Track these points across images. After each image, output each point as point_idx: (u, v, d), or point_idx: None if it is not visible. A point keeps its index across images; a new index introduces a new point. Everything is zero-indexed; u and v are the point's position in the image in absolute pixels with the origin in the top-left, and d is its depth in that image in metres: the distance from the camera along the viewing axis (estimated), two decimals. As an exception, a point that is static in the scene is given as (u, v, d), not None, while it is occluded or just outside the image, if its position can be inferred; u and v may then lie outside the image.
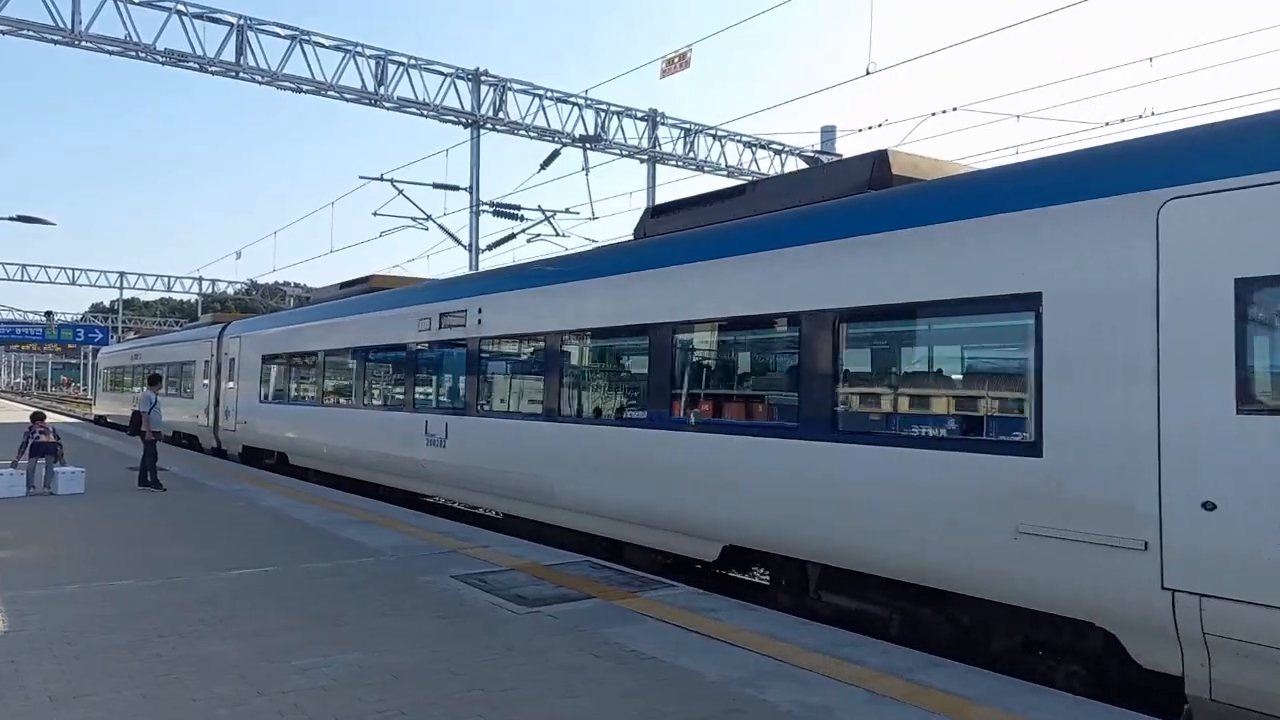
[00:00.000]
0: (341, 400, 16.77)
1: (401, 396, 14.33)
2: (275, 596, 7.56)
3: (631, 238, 11.03)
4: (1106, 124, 17.73)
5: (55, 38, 20.11)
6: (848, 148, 26.32)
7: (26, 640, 6.15)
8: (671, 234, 9.84)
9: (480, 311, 12.27)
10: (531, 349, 11.68)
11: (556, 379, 10.81)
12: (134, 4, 20.67)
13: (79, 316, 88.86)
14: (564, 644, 6.27)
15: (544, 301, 11.10)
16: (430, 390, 13.95)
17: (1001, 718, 4.99)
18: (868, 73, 18.78)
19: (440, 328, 13.09)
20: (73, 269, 59.90)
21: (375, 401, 15.36)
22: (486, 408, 12.29)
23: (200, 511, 12.61)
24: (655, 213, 10.72)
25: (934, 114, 20.44)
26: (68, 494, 14.07)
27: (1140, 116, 17.20)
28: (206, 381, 23.87)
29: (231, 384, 21.83)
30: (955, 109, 20.00)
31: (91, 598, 7.39)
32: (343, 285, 18.72)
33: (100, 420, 40.35)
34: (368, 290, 17.10)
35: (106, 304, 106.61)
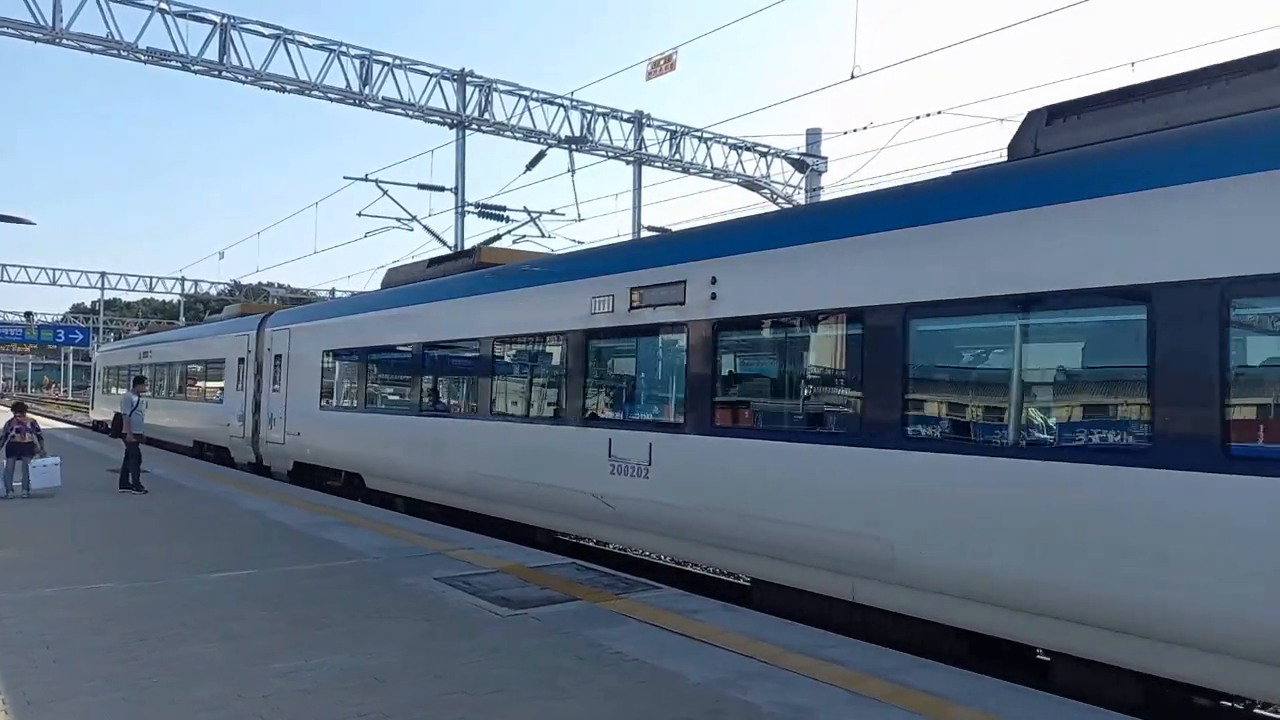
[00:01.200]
0: (455, 407, 13.16)
1: (562, 404, 10.60)
2: (256, 599, 7.51)
3: (1006, 156, 7.25)
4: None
5: (36, 35, 19.92)
6: (833, 150, 26.43)
7: (4, 644, 6.09)
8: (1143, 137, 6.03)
9: (715, 282, 8.63)
10: (834, 331, 7.79)
11: (903, 381, 6.90)
12: (116, 2, 20.49)
13: (59, 317, 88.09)
14: (547, 646, 6.27)
15: (878, 255, 7.13)
16: (614, 395, 10.46)
17: (981, 718, 5.02)
18: (853, 76, 18.88)
19: (634, 307, 9.59)
20: (53, 269, 59.26)
21: (512, 410, 11.78)
22: (730, 422, 8.54)
23: (181, 514, 12.52)
24: (1054, 115, 6.93)
25: (919, 117, 20.55)
26: (44, 488, 13.92)
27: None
28: (241, 383, 20.33)
29: (278, 386, 18.30)
30: (940, 112, 20.12)
31: (71, 601, 7.32)
32: (432, 262, 15.42)
33: (100, 426, 36.20)
34: (476, 266, 13.66)
35: (88, 304, 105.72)
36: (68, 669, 5.58)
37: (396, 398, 14.65)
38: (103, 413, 34.99)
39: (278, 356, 18.55)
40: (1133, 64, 18.02)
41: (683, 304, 8.98)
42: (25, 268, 57.96)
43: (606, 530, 10.17)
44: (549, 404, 11.13)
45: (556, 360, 11.09)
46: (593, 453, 9.76)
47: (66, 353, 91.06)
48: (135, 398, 15.50)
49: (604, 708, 5.10)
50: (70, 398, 74.72)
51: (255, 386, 19.65)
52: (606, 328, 10.05)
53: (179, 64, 21.49)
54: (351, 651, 6.06)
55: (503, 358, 12.03)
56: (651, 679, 5.59)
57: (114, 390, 33.91)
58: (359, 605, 7.36)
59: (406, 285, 15.01)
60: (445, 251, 25.97)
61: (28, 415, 14.70)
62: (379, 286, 16.83)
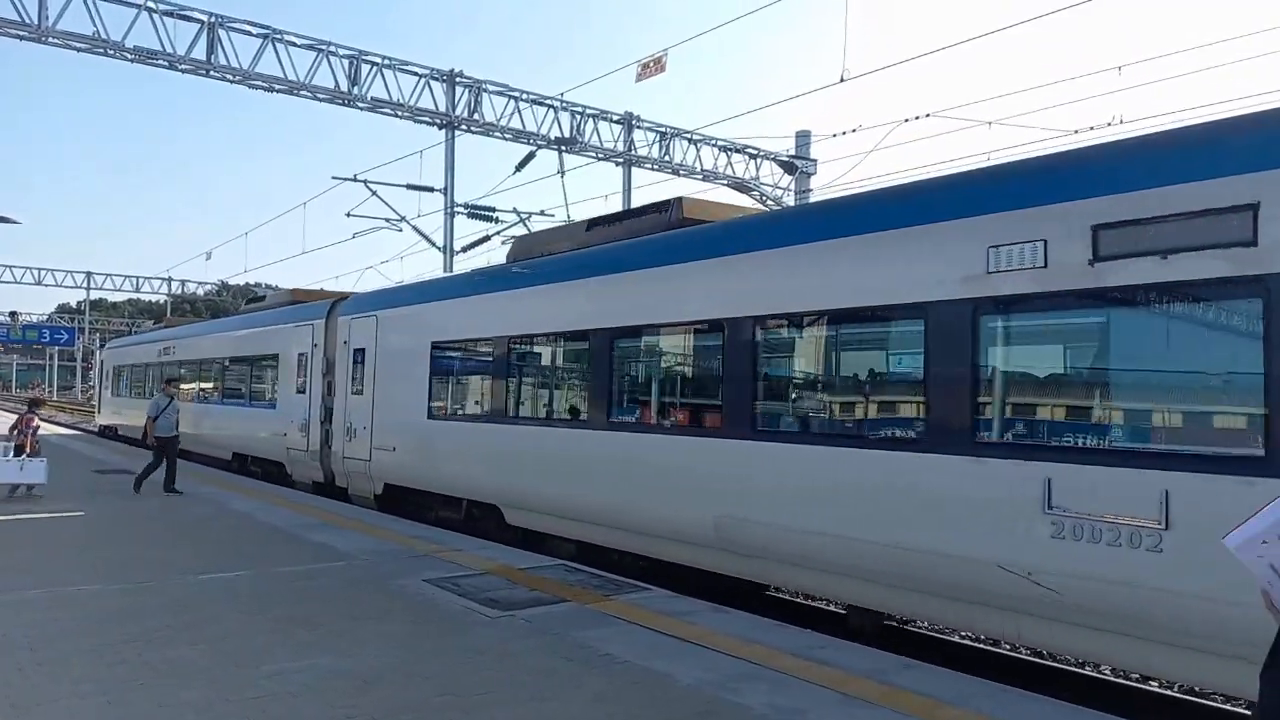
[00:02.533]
0: (697, 419, 9.05)
1: (932, 418, 6.71)
2: (244, 601, 7.46)
3: None
4: (1076, 131, 17.96)
5: (21, 33, 19.76)
6: (823, 152, 26.50)
7: (-12, 646, 6.03)
8: None
9: None
10: None
11: None
12: (103, 0, 20.38)
13: (45, 317, 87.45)
14: (537, 648, 6.25)
15: None
16: (1060, 401, 6.39)
17: (972, 718, 5.03)
18: (842, 80, 18.94)
19: (1107, 258, 5.75)
20: (38, 269, 58.97)
21: (815, 424, 7.85)
22: None
23: (169, 515, 12.43)
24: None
25: (907, 120, 20.60)
26: (27, 483, 13.84)
27: (1109, 124, 17.41)
28: (304, 385, 16.75)
29: (360, 388, 14.69)
30: (929, 115, 20.20)
31: (56, 603, 7.26)
32: (594, 223, 11.66)
33: (108, 432, 32.33)
34: (676, 224, 10.08)
35: (73, 304, 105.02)
36: (53, 672, 5.53)
37: (568, 404, 10.82)
38: (112, 417, 31.57)
39: (359, 351, 14.85)
40: (1119, 68, 18.14)
41: (1252, 244, 5.15)
42: (10, 267, 57.73)
43: (1037, 628, 6.23)
44: (891, 416, 7.33)
45: (903, 347, 7.31)
46: (1008, 498, 6.08)
47: (52, 353, 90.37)
48: (164, 399, 15.03)
49: (594, 710, 5.08)
50: (55, 398, 73.96)
51: (324, 388, 16.09)
52: (1032, 294, 6.15)
53: (166, 63, 21.36)
54: (340, 653, 6.02)
55: (783, 343, 8.43)
56: (642, 680, 5.57)
57: (128, 392, 29.93)
58: (347, 607, 7.32)
59: (563, 254, 11.31)
60: (432, 252, 25.86)
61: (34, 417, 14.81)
62: (506, 259, 12.94)
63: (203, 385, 22.85)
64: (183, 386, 21.68)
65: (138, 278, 62.53)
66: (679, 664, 5.90)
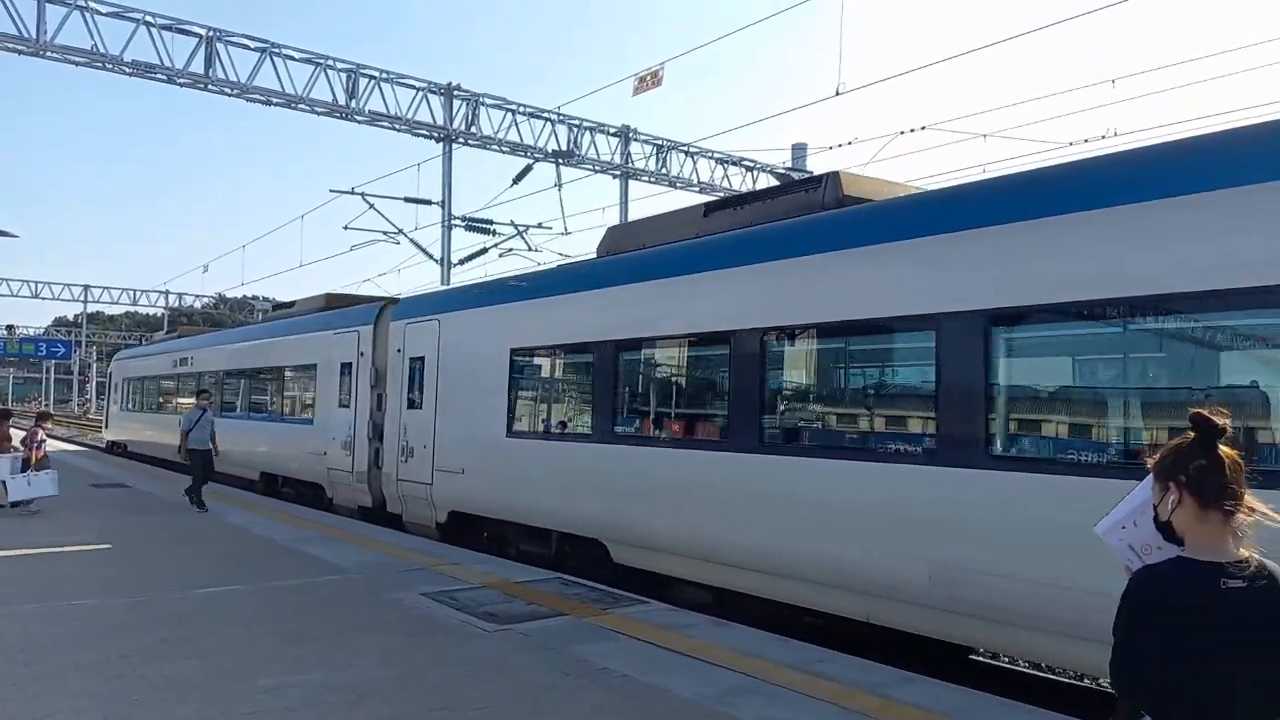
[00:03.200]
0: (932, 440, 6.75)
1: None
2: (240, 615, 7.43)
3: None
4: (1071, 143, 18.03)
5: (20, 48, 19.82)
6: (818, 165, 26.59)
7: (-18, 662, 6.00)
8: None
9: None
10: None
11: None
12: (101, 15, 20.43)
13: (42, 331, 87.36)
14: (534, 662, 6.22)
15: None
16: None
17: (971, 732, 5.01)
18: (837, 93, 19.00)
19: None
20: (35, 282, 58.92)
21: (1100, 449, 6.01)
22: None
23: (163, 528, 12.39)
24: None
25: (902, 133, 20.68)
26: (28, 498, 13.75)
27: (1104, 137, 17.49)
28: (348, 398, 14.94)
29: (419, 401, 12.95)
30: (924, 128, 20.27)
31: (51, 617, 7.22)
32: (712, 208, 9.90)
33: (116, 448, 29.91)
34: (834, 204, 8.28)
35: (70, 318, 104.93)
36: (49, 687, 5.49)
37: (704, 421, 9.05)
38: (121, 433, 29.29)
39: (416, 360, 13.11)
40: (1113, 81, 18.22)
41: None
42: (7, 280, 57.64)
43: None
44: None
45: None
46: None
47: (48, 366, 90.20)
48: (198, 410, 14.77)
49: (592, 724, 5.05)
50: (52, 412, 73.68)
51: (373, 402, 14.32)
52: None
53: (165, 77, 21.42)
54: (335, 667, 5.99)
55: (1041, 345, 6.72)
56: (639, 695, 5.55)
57: (141, 406, 27.83)
58: (343, 620, 7.29)
59: (685, 243, 9.55)
60: (430, 265, 25.85)
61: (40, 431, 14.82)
62: (598, 252, 11.34)
63: (225, 399, 20.80)
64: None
65: (135, 291, 62.60)
66: (677, 678, 5.87)
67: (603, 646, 6.62)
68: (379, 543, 11.42)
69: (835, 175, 8.60)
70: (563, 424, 10.74)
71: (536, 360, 11.33)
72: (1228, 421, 2.44)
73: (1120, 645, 2.34)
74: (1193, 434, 2.43)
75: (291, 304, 20.43)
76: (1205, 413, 2.44)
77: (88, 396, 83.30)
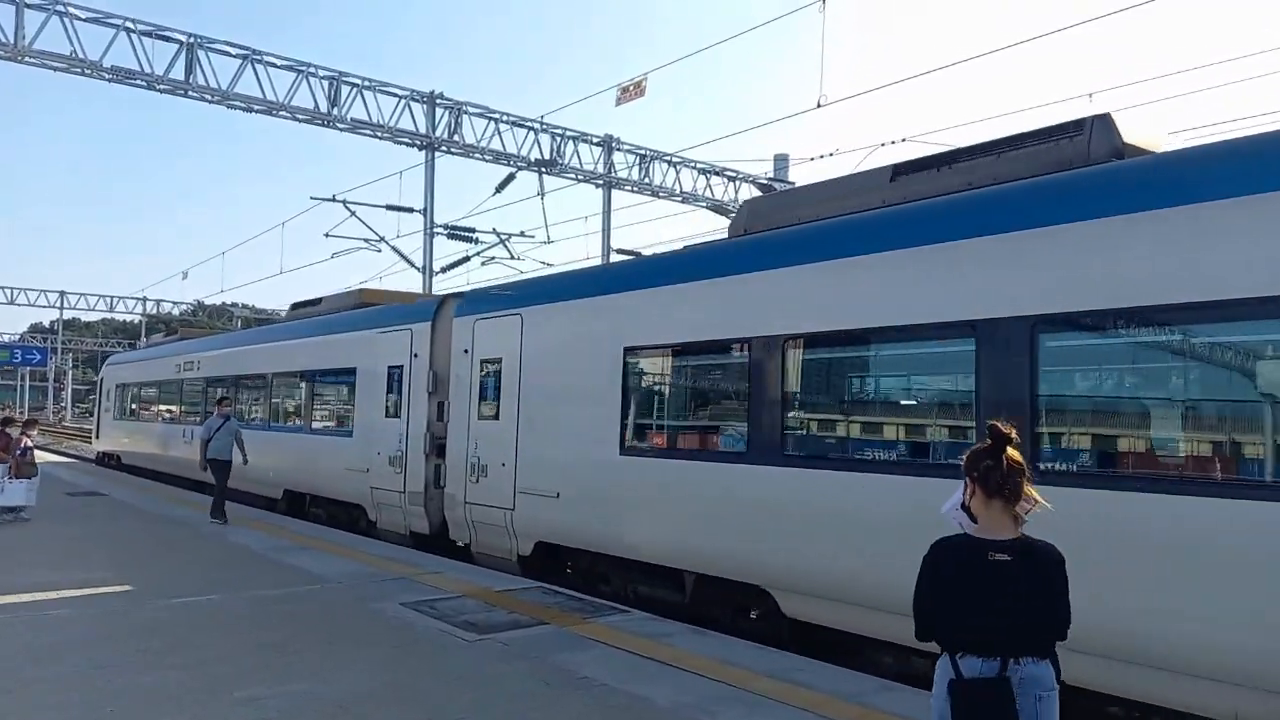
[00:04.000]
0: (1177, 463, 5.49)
1: None
2: (219, 625, 7.38)
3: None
4: (1049, 156, 18.14)
5: (-2, 53, 19.65)
6: (801, 175, 26.74)
7: (-45, 673, 5.93)
8: None
9: None
10: None
11: None
12: (80, 20, 20.31)
13: (17, 337, 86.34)
14: (514, 671, 6.22)
15: None
16: None
17: (949, 740, 5.04)
18: (819, 105, 19.14)
19: None
20: (10, 288, 58.23)
21: None
22: None
23: (142, 538, 12.28)
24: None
25: (884, 144, 20.84)
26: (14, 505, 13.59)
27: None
28: (400, 407, 12.93)
29: (494, 411, 10.97)
30: (904, 140, 20.43)
31: (24, 628, 7.14)
32: (900, 170, 7.98)
33: (108, 460, 27.69)
34: (1106, 158, 6.42)
35: (46, 324, 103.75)
36: (22, 699, 5.44)
37: (934, 442, 6.99)
38: (114, 443, 27.01)
39: (491, 362, 11.16)
40: (1090, 95, 18.43)
41: None
42: (-19, 287, 56.84)
43: None
44: None
45: None
46: None
47: (24, 373, 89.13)
48: (219, 419, 14.17)
49: (572, 733, 5.06)
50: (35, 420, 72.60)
51: (431, 411, 12.33)
52: None
53: (144, 83, 21.29)
54: (315, 678, 5.97)
55: None
56: (620, 704, 5.56)
57: (137, 415, 25.64)
58: (323, 631, 7.26)
59: (869, 213, 7.68)
60: (411, 273, 25.77)
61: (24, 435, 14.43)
62: (731, 231, 9.43)
63: (240, 408, 18.48)
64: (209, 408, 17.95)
65: (112, 297, 61.98)
66: (657, 686, 5.89)
67: (583, 655, 6.62)
68: (359, 553, 11.36)
69: (1107, 119, 6.64)
70: (704, 438, 8.63)
71: (662, 360, 9.21)
72: (1014, 430, 3.20)
73: (916, 590, 3.21)
74: (989, 440, 3.18)
75: (316, 301, 18.18)
76: (998, 425, 3.19)
77: (63, 404, 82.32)
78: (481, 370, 11.37)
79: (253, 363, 18.36)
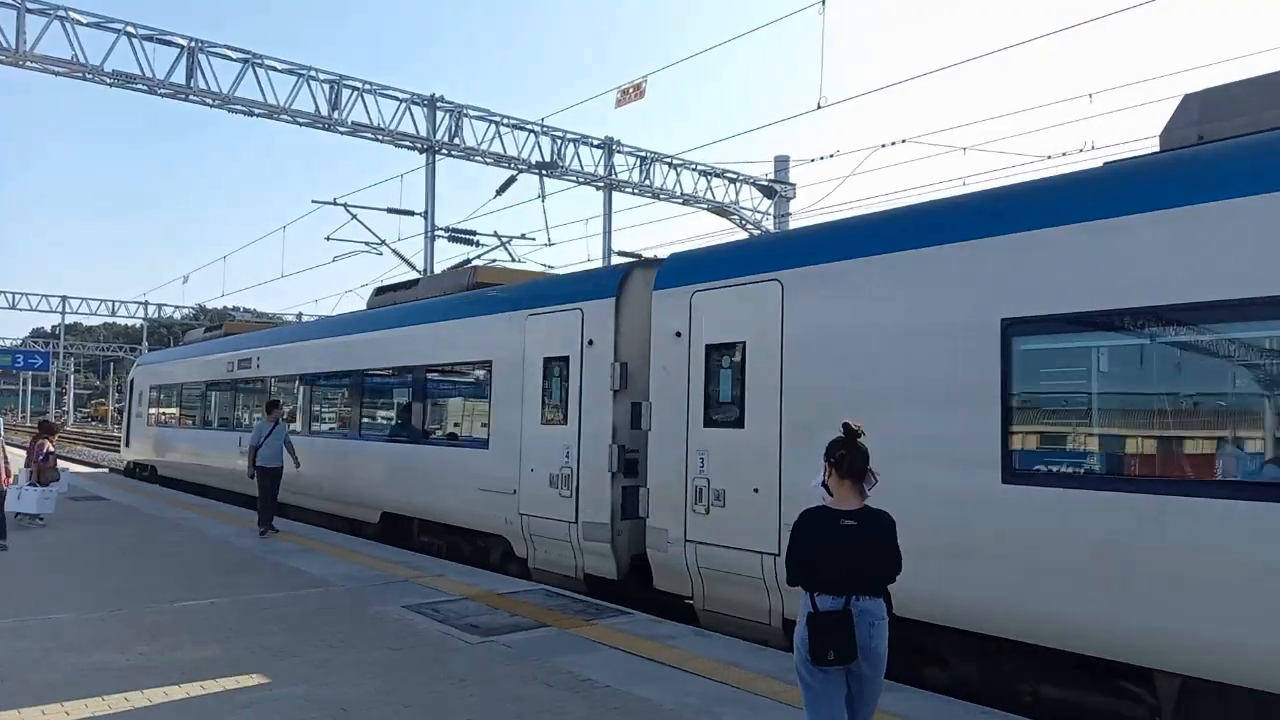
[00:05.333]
0: None
1: None
2: (220, 629, 7.36)
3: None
4: (1049, 157, 18.23)
5: (-1, 57, 19.68)
6: (802, 176, 26.79)
7: (-44, 677, 5.91)
8: None
9: None
10: None
11: None
12: (81, 25, 20.32)
13: (19, 342, 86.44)
14: (517, 674, 6.20)
15: None
16: None
17: (953, 741, 5.02)
18: (820, 106, 19.14)
19: None
20: (12, 292, 58.21)
21: None
22: None
23: (142, 541, 12.26)
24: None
25: (884, 145, 20.85)
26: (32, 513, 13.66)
27: (1081, 150, 17.62)
28: (561, 410, 10.14)
29: (734, 417, 8.08)
30: (904, 141, 20.44)
31: (25, 633, 7.13)
32: None
33: (138, 471, 25.07)
34: None
35: (48, 329, 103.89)
36: (21, 702, 5.42)
37: None
38: (148, 453, 24.31)
39: (723, 349, 8.28)
40: (1090, 96, 18.44)
41: None
42: (-17, 291, 56.88)
43: None
44: None
45: None
46: None
47: (26, 378, 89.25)
48: (269, 424, 13.34)
49: (575, 736, 5.04)
50: (28, 424, 72.87)
51: (618, 417, 9.46)
52: None
53: (145, 87, 21.28)
54: (316, 681, 5.95)
55: None
56: (623, 706, 5.54)
57: (170, 420, 23.20)
58: (325, 634, 7.24)
59: None
60: (413, 276, 25.75)
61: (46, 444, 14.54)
62: (1167, 137, 6.29)
63: (318, 413, 15.98)
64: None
65: (113, 302, 61.89)
66: (660, 688, 5.87)
67: (586, 658, 6.60)
68: (361, 555, 11.33)
69: None
70: (1195, 460, 5.57)
71: (1091, 337, 5.94)
72: (861, 424, 4.19)
73: (789, 547, 4.19)
74: (844, 435, 4.14)
75: (409, 284, 15.34)
76: (850, 422, 4.19)
77: (65, 408, 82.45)
78: (709, 360, 8.38)
79: (333, 358, 15.27)
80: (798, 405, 7.46)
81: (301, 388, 16.35)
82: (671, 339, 8.77)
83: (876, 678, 4.16)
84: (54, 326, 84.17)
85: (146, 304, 62.03)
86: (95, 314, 63.38)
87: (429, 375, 12.84)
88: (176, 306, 64.46)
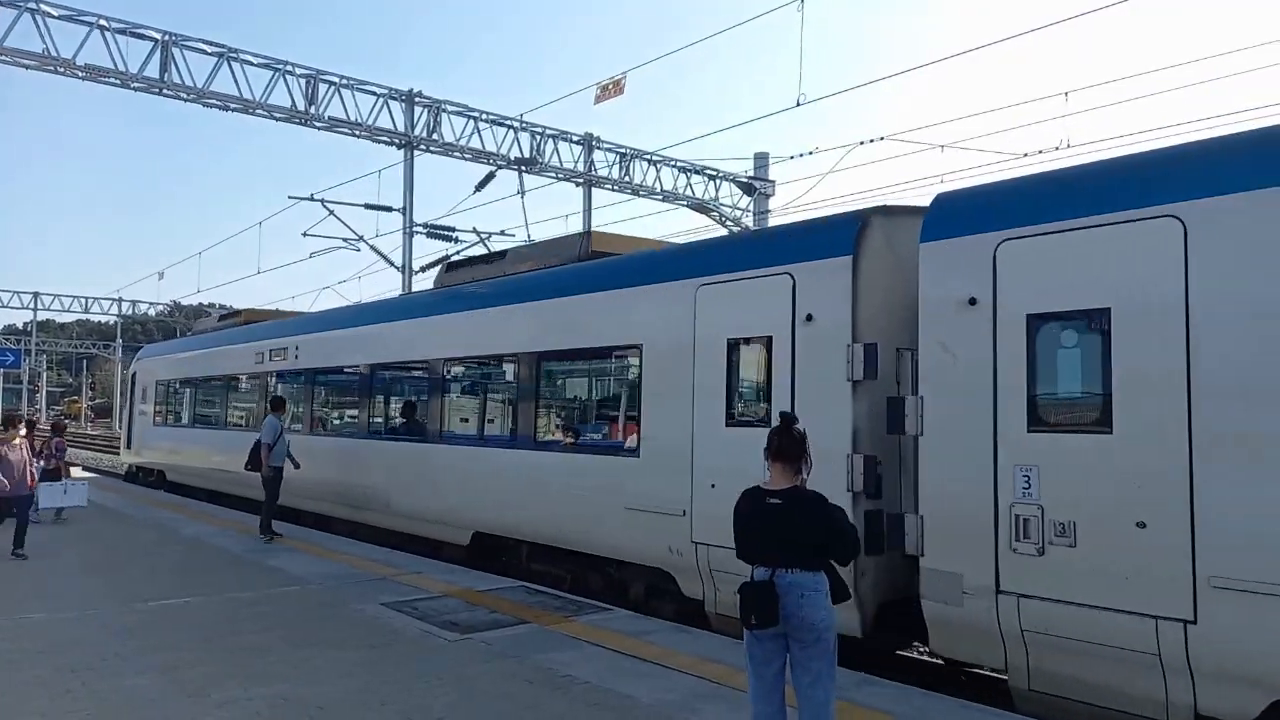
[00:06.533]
0: None
1: None
2: (196, 628, 7.31)
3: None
4: (1026, 154, 18.39)
5: (-33, 50, 19.36)
6: (781, 173, 26.85)
7: (-74, 679, 5.84)
8: None
9: None
10: None
11: None
12: (53, 18, 20.03)
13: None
14: (497, 671, 6.19)
15: None
16: None
17: (930, 734, 5.07)
18: (798, 104, 19.20)
19: None
20: (-17, 289, 57.40)
21: None
22: None
23: (119, 541, 12.14)
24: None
25: (863, 143, 20.98)
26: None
27: (1057, 148, 17.83)
28: (754, 407, 7.76)
29: (1088, 418, 5.63)
30: (883, 138, 20.58)
31: (3, 635, 7.05)
32: None
33: (141, 475, 23.28)
34: None
35: (20, 325, 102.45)
36: (-5, 704, 5.36)
37: None
38: (155, 454, 22.04)
39: (1051, 319, 5.92)
40: (1066, 94, 18.60)
41: None
42: (-47, 288, 56.02)
43: None
44: None
45: None
46: None
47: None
48: (279, 423, 12.74)
49: (554, 732, 5.04)
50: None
51: (859, 417, 6.95)
52: None
53: (118, 81, 21.02)
54: (294, 681, 5.92)
55: None
56: (603, 703, 5.55)
57: (182, 418, 20.87)
58: (302, 633, 7.20)
59: None
60: (390, 272, 25.54)
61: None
62: None
63: (380, 411, 13.48)
64: (320, 414, 14.20)
65: (86, 298, 61.18)
66: (640, 684, 5.88)
67: (566, 655, 6.60)
68: (340, 554, 11.27)
69: None
70: None
71: None
72: (797, 416, 4.64)
73: (733, 524, 4.51)
74: (780, 423, 4.51)
75: (494, 257, 12.87)
76: (786, 413, 4.65)
77: (37, 407, 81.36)
78: (1034, 336, 5.99)
79: (399, 346, 12.92)
80: (1223, 400, 5.09)
81: (358, 381, 13.86)
82: (958, 308, 6.37)
83: (814, 648, 4.28)
84: (26, 323, 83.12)
85: (120, 300, 61.35)
86: (68, 310, 62.66)
87: (542, 364, 10.32)
88: (151, 303, 63.76)
